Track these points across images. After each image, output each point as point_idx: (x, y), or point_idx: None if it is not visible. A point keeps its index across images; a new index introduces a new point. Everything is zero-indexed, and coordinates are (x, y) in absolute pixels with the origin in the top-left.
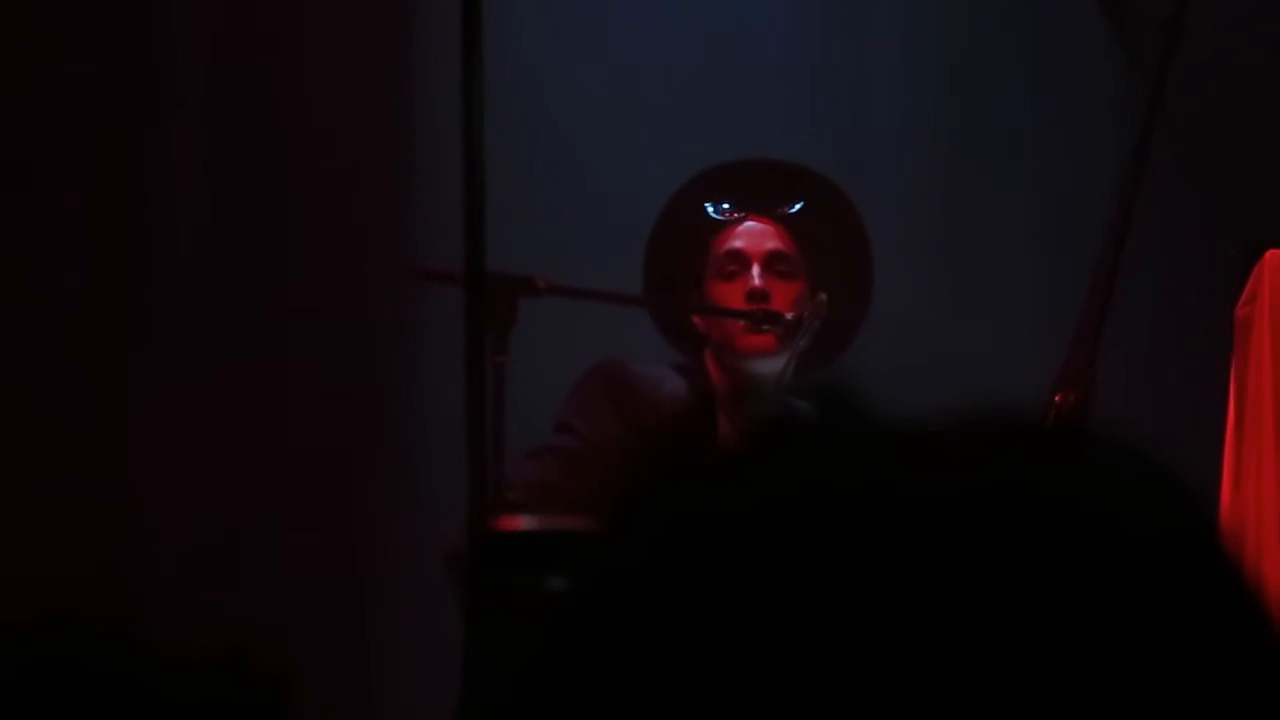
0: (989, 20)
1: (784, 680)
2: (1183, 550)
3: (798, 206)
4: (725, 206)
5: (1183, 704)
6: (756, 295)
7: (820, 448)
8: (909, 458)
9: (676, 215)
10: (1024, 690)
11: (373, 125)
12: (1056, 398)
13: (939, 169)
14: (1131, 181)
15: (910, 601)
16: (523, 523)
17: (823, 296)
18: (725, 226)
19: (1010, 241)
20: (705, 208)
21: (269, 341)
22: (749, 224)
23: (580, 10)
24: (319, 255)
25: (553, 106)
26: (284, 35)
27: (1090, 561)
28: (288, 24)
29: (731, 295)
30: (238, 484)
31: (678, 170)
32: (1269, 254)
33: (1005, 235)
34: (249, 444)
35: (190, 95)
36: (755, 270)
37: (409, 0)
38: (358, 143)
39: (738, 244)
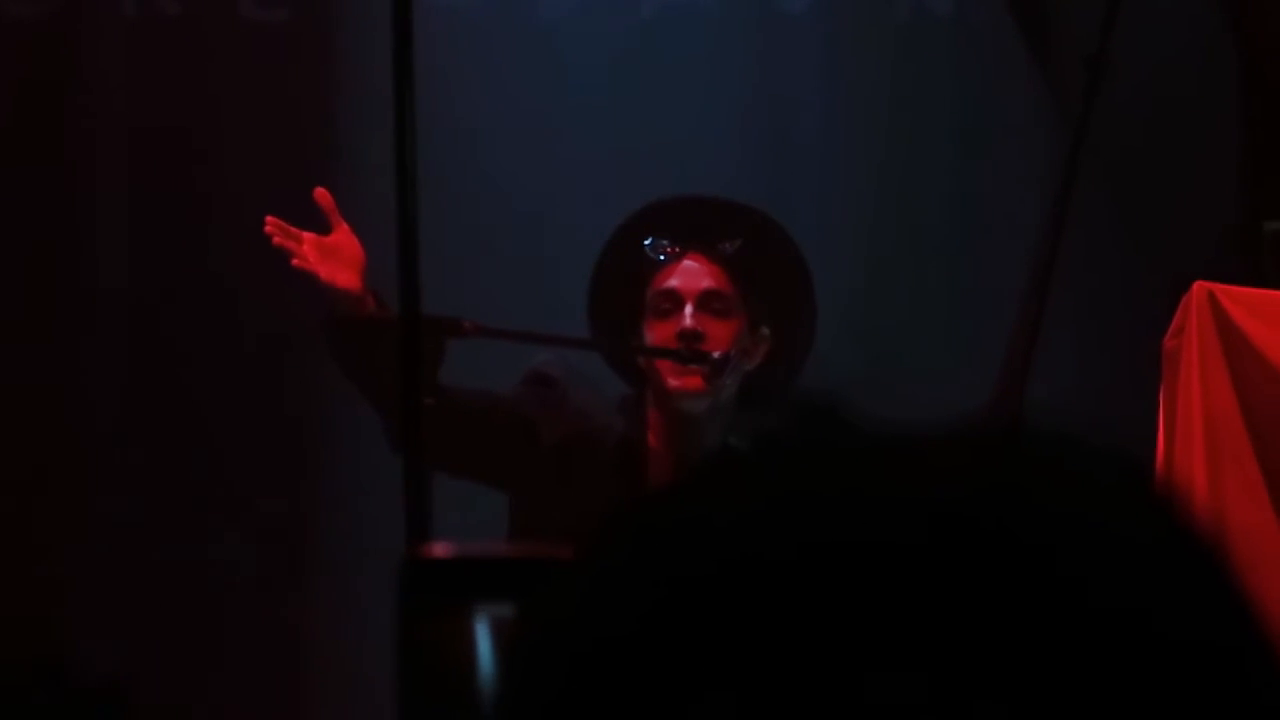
0: (913, 62)
1: (779, 693)
2: (1173, 553)
3: (736, 243)
4: (664, 244)
5: (1175, 706)
6: (687, 335)
7: (807, 460)
8: (897, 468)
9: (616, 253)
10: (1017, 694)
11: (295, 175)
12: None
13: (863, 203)
14: (1057, 215)
15: (900, 610)
16: (453, 549)
17: (765, 331)
18: (663, 265)
19: (935, 273)
20: (644, 245)
21: (190, 394)
22: (686, 262)
23: (510, 45)
24: (243, 303)
25: (484, 146)
26: (205, 96)
27: (1075, 565)
28: (209, 85)
29: (666, 334)
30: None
31: (613, 207)
32: (1196, 286)
33: (930, 268)
34: (173, 483)
35: (112, 161)
36: (688, 309)
37: (330, 53)
38: (281, 192)
39: (673, 283)
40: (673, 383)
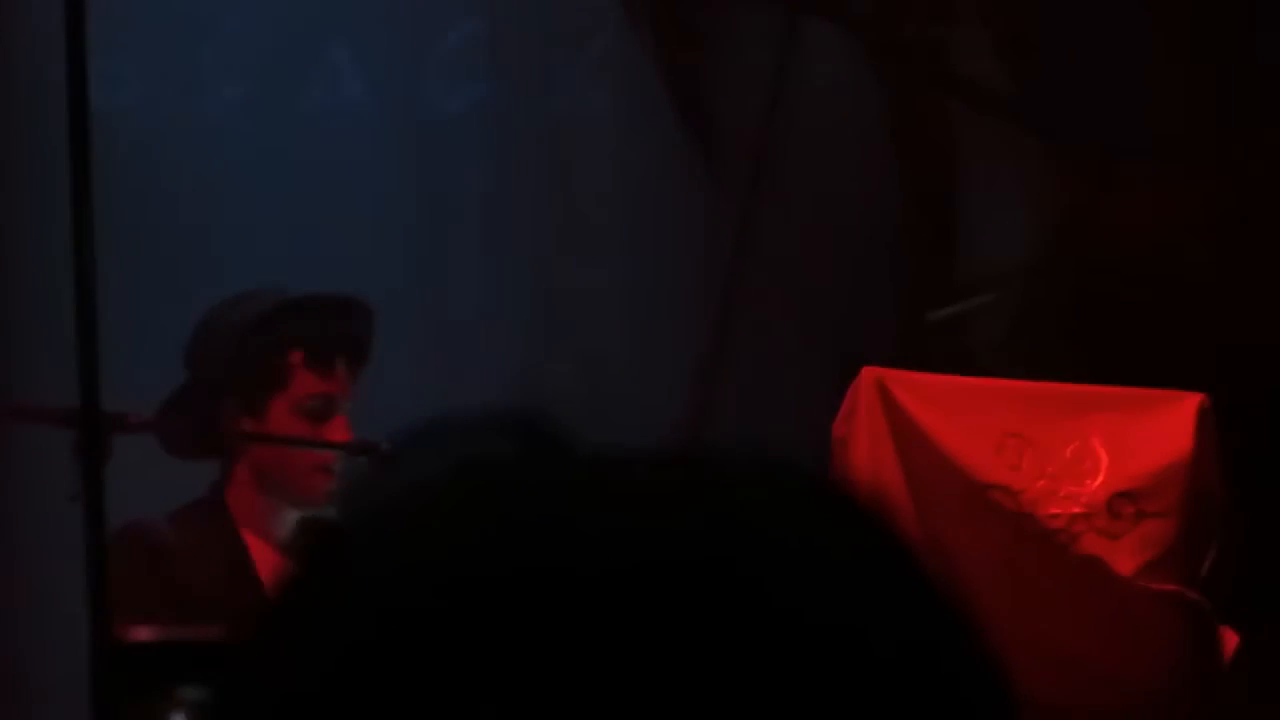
0: (572, 158)
1: None
2: (881, 567)
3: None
4: (302, 350)
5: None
6: (355, 447)
7: (517, 485)
8: (605, 493)
9: (249, 350)
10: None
11: None
12: None
13: (523, 298)
14: (724, 306)
15: (602, 645)
16: (147, 634)
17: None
18: (302, 368)
19: (602, 366)
20: (276, 349)
21: None
22: (327, 364)
23: (170, 139)
24: None
25: (142, 240)
26: None
27: (788, 589)
28: None
29: (315, 433)
30: None
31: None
32: (864, 371)
33: (604, 349)
34: None
35: None
36: (339, 418)
37: None
38: None
39: (327, 388)
40: (319, 485)
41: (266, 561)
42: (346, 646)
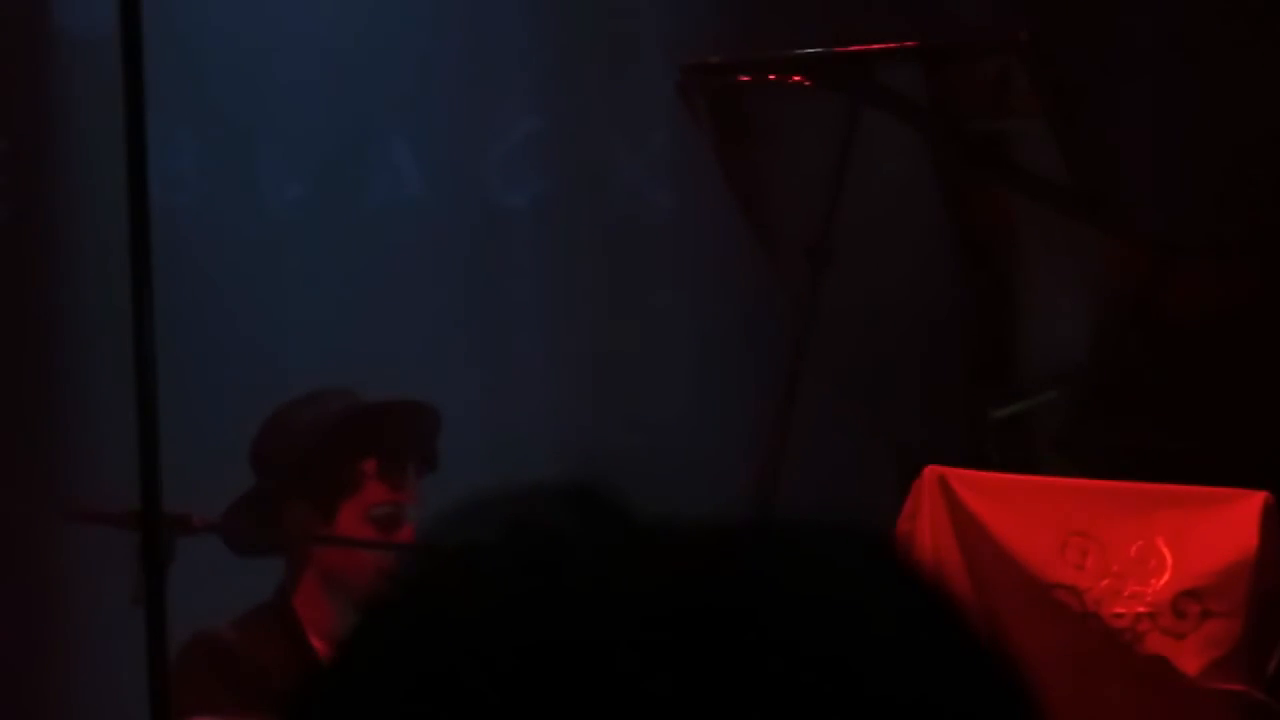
0: (633, 258)
1: None
2: (929, 626)
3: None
4: (375, 459)
5: None
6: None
7: (549, 553)
8: (648, 561)
9: (322, 456)
10: None
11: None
12: None
13: (586, 400)
14: (785, 405)
15: (641, 706)
16: None
17: None
18: (374, 478)
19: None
20: (349, 457)
21: None
22: (398, 473)
23: (232, 234)
24: None
25: (204, 336)
26: None
27: (824, 648)
28: None
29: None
30: None
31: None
32: (927, 470)
33: (662, 455)
34: None
35: None
36: (409, 520)
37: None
38: None
39: (397, 497)
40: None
41: None
42: (392, 707)
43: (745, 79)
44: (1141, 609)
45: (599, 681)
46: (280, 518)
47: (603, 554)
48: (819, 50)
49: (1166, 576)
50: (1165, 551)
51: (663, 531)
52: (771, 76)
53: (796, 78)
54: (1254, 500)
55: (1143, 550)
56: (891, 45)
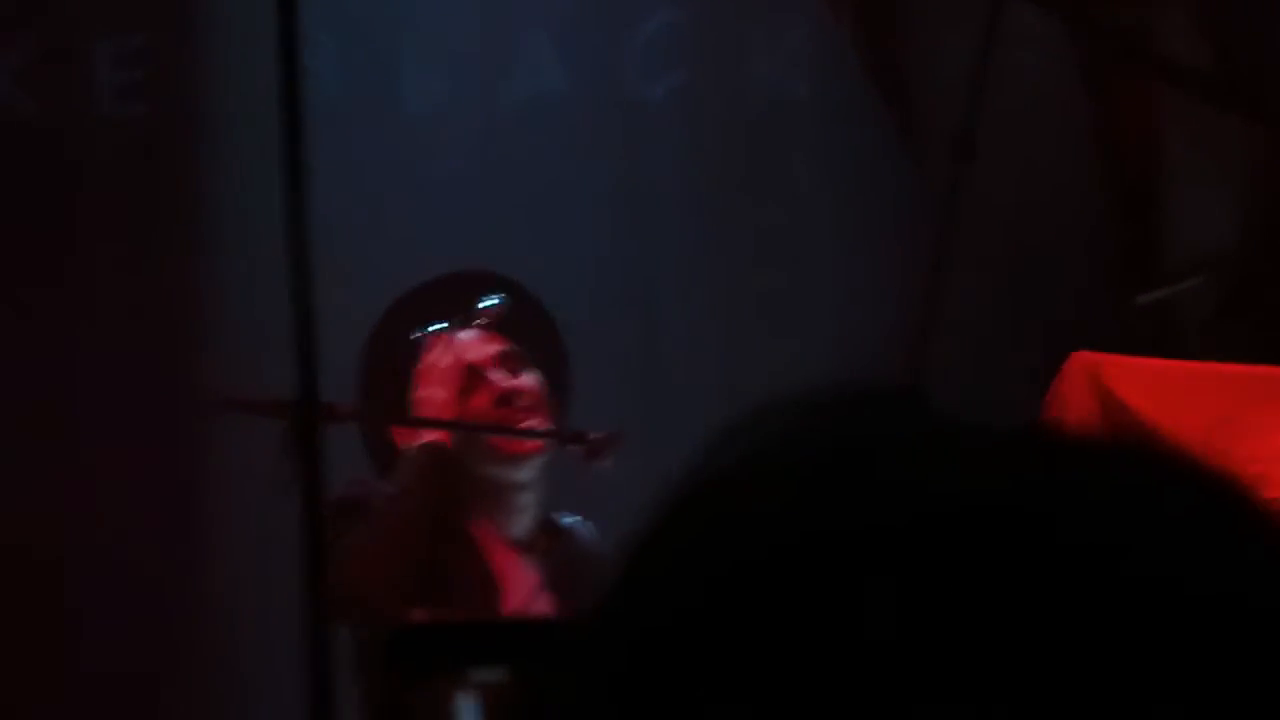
0: (772, 146)
1: (839, 680)
2: (1230, 534)
3: (492, 303)
4: (440, 327)
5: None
6: (507, 398)
7: (874, 444)
8: (954, 457)
9: (386, 348)
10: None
11: (163, 274)
12: None
13: (724, 290)
14: (931, 293)
15: (957, 625)
16: (428, 617)
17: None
18: (496, 365)
19: (809, 352)
20: (414, 334)
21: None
22: (464, 337)
23: (374, 138)
24: (112, 387)
25: (346, 239)
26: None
27: (1149, 563)
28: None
29: (481, 406)
30: None
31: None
32: (1075, 356)
33: (804, 341)
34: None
35: None
36: (496, 374)
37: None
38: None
39: (467, 358)
40: (513, 448)
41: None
42: (702, 589)
43: None
44: None
45: (901, 572)
46: (410, 403)
47: (910, 451)
48: None
49: None
50: None
51: (966, 433)
52: None
53: None
54: None
55: None
56: None
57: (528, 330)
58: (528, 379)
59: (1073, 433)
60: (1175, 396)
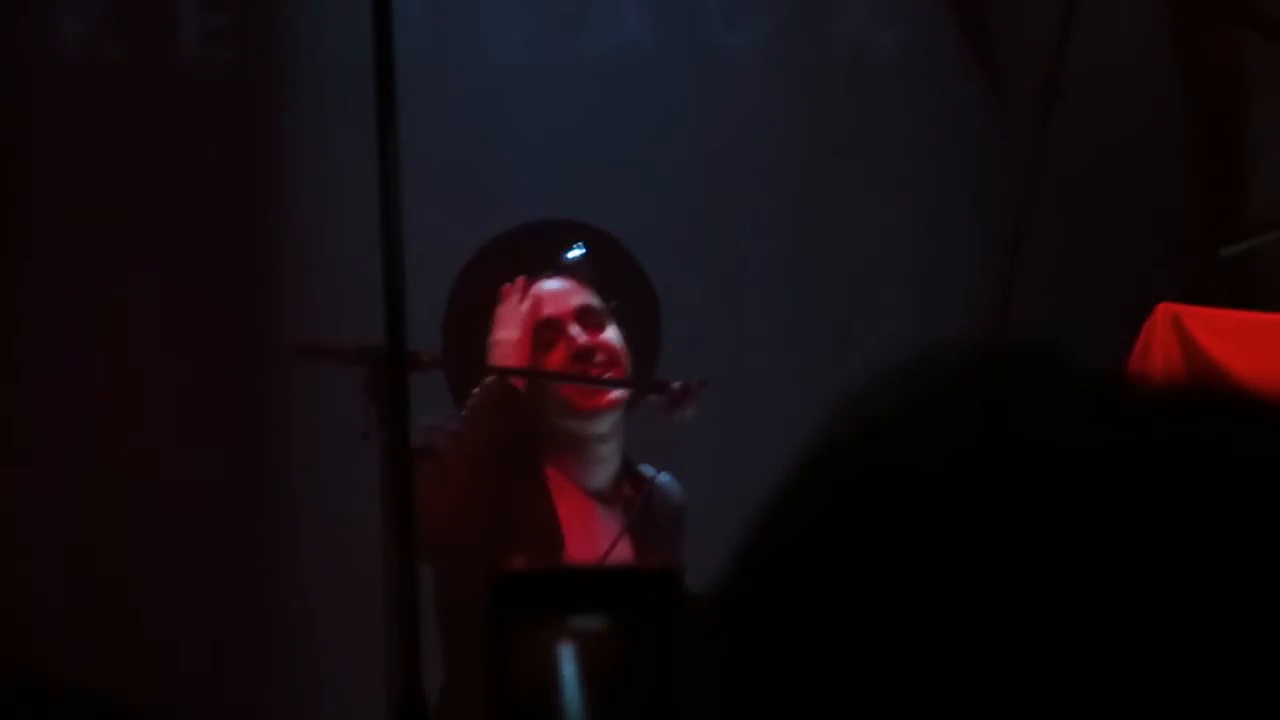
0: (858, 95)
1: (976, 637)
2: None
3: (577, 255)
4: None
5: None
6: (584, 354)
7: (1010, 400)
8: (1092, 413)
9: (470, 295)
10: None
11: (247, 216)
12: None
13: (807, 239)
14: (1014, 242)
15: (1092, 557)
16: (529, 564)
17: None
18: (575, 320)
19: (889, 306)
20: (495, 284)
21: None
22: (546, 288)
23: (458, 86)
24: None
25: (430, 186)
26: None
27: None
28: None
29: (559, 359)
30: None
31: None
32: (1160, 308)
33: (885, 295)
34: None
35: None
36: (575, 330)
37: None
38: (227, 220)
39: (546, 311)
40: (586, 404)
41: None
42: (846, 540)
43: None
44: None
45: (1034, 524)
46: (489, 354)
47: (1046, 406)
48: None
49: None
50: None
51: (1103, 389)
52: None
53: None
54: None
55: None
56: None
57: (619, 283)
58: (607, 336)
59: (1181, 386)
60: (1260, 347)
